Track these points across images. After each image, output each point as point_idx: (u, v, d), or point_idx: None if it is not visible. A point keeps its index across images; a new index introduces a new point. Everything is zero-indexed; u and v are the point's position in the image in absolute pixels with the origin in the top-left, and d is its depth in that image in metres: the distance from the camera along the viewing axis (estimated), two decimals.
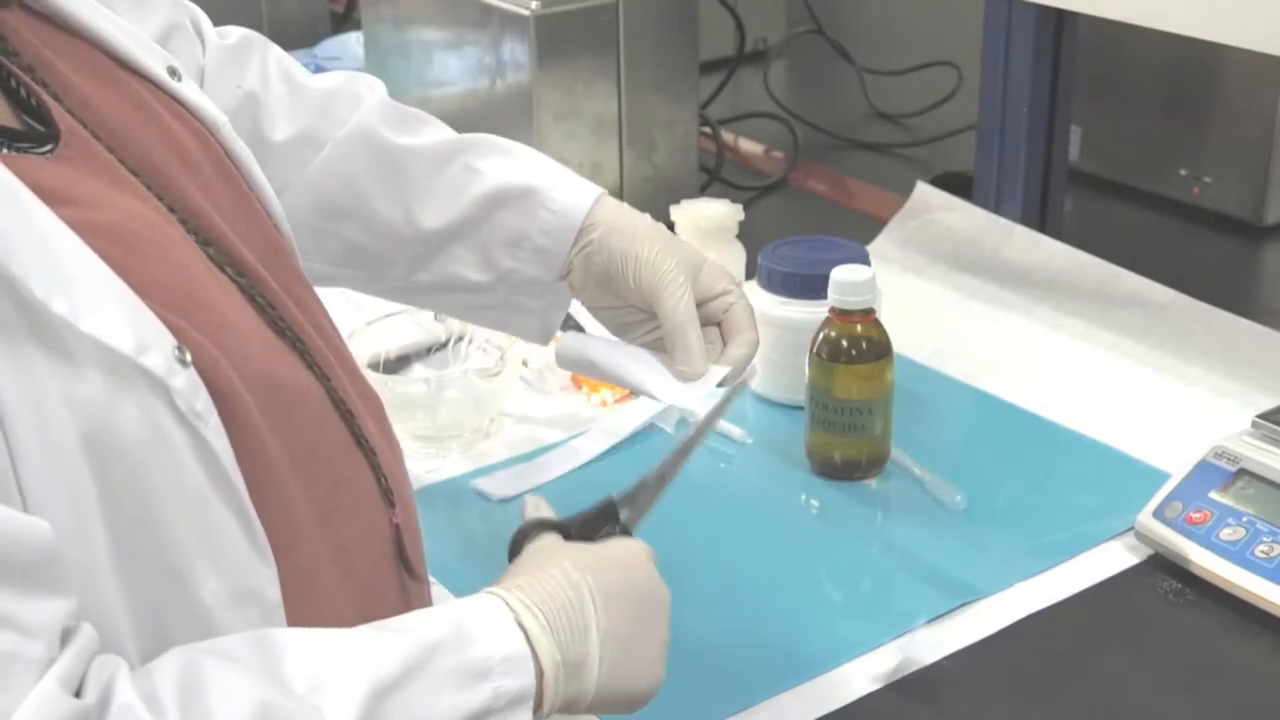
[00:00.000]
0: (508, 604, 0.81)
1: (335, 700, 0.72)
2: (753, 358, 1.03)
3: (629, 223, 1.04)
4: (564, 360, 1.04)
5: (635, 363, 1.02)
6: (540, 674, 0.79)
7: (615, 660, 0.83)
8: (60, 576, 0.68)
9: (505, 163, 1.07)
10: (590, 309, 1.07)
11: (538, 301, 1.07)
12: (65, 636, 0.67)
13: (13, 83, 0.78)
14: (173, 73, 0.89)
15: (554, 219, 1.04)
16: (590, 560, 0.86)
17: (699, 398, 0.99)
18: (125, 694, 0.67)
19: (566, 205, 1.04)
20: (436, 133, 1.09)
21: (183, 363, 0.73)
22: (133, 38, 0.88)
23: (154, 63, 0.88)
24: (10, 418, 0.67)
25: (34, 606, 0.66)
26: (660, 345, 1.02)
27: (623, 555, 0.89)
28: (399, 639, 0.76)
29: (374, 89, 1.12)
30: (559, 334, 1.07)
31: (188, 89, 0.90)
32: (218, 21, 1.12)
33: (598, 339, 1.04)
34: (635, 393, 1.04)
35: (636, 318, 1.04)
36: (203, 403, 0.74)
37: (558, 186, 1.05)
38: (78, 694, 0.66)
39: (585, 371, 1.05)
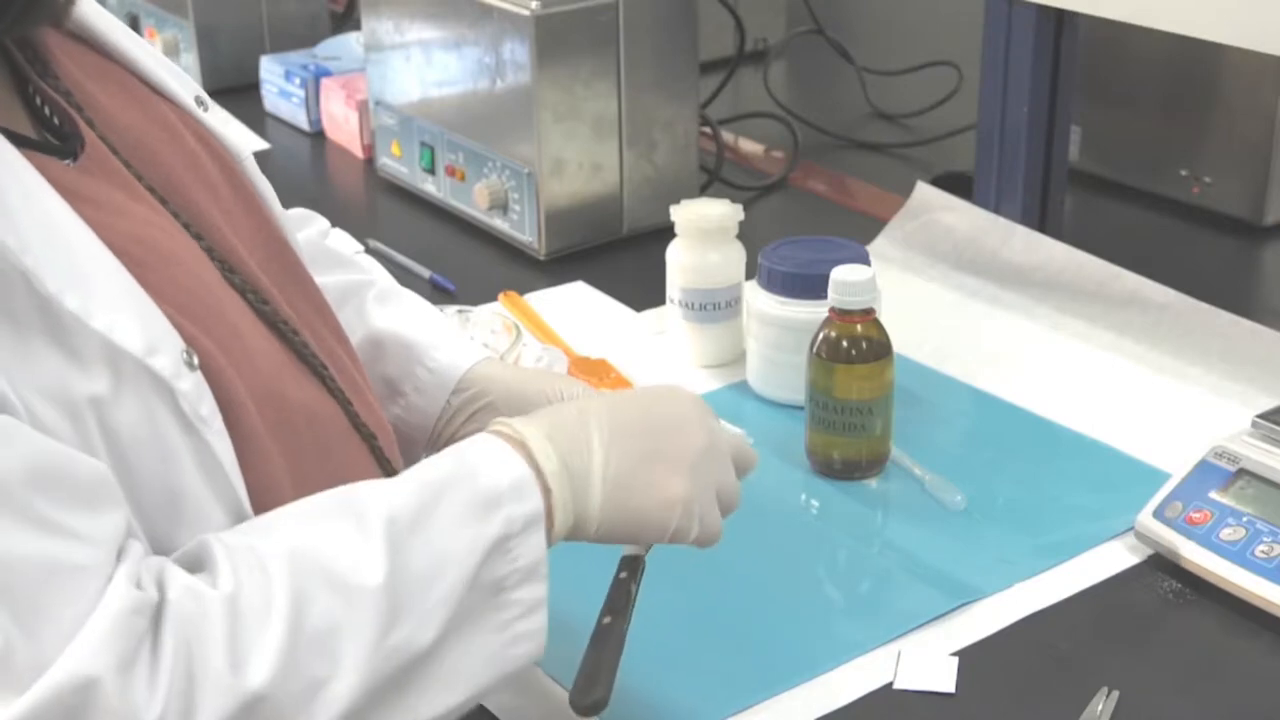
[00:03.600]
0: (512, 428, 0.83)
1: (363, 550, 0.74)
2: None
3: (518, 373, 1.04)
4: None
5: None
6: (547, 489, 0.81)
7: (621, 477, 0.84)
8: (117, 497, 0.71)
9: (395, 312, 1.07)
10: None
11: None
12: (121, 550, 0.71)
13: (37, 100, 0.80)
14: (200, 102, 0.92)
15: (429, 378, 1.04)
16: (607, 394, 0.89)
17: None
18: (181, 577, 0.71)
19: (443, 366, 1.04)
20: (346, 274, 1.09)
21: (190, 365, 0.74)
22: (164, 65, 0.91)
23: (182, 90, 0.91)
24: (13, 409, 0.68)
25: (98, 522, 0.69)
26: None
27: (649, 392, 0.91)
28: (407, 485, 0.78)
29: (313, 224, 1.12)
30: None
31: (213, 119, 0.92)
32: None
33: None
34: None
35: None
36: (208, 407, 0.75)
37: (440, 347, 1.05)
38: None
39: None
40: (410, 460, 1.03)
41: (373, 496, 0.77)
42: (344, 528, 0.75)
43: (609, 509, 0.84)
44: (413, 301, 1.10)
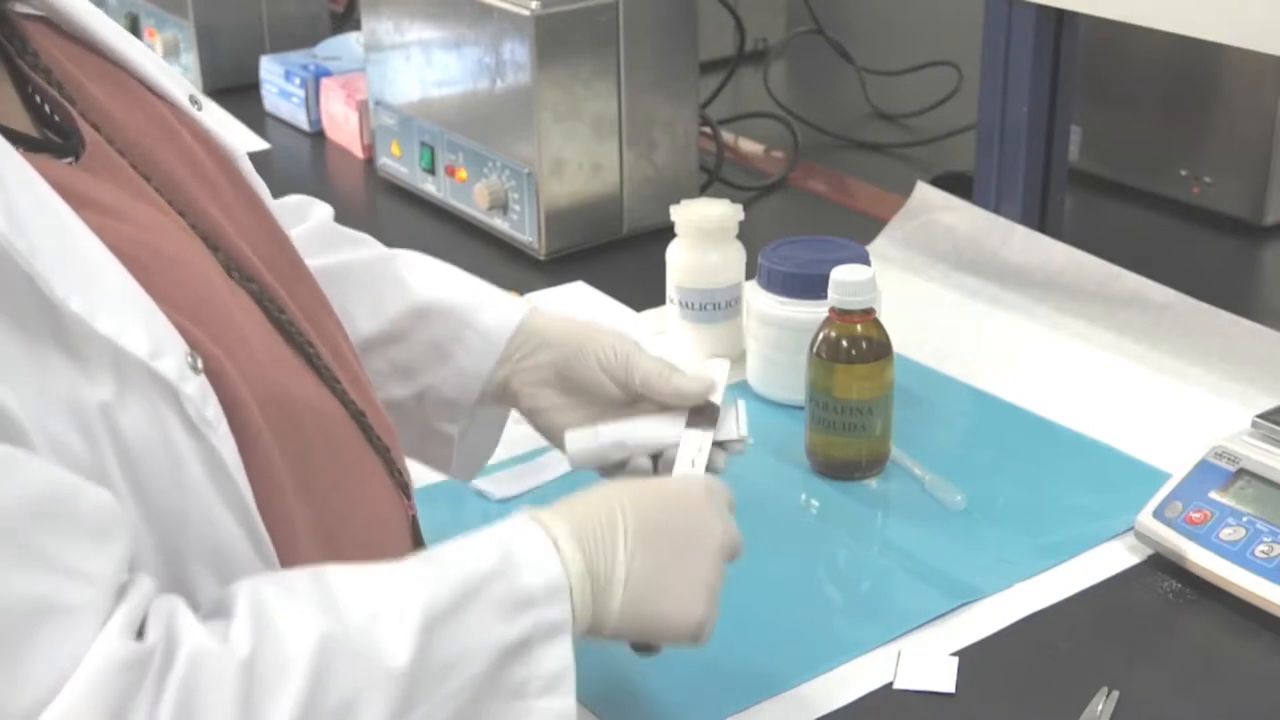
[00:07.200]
0: (542, 523, 0.83)
1: (392, 632, 0.74)
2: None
3: (567, 322, 1.06)
4: (581, 456, 1.02)
5: (652, 422, 1.02)
6: (569, 592, 0.81)
7: (642, 584, 0.84)
8: (120, 530, 0.70)
9: (432, 277, 1.08)
10: (534, 416, 1.06)
11: (452, 426, 1.06)
12: (123, 587, 0.69)
13: (36, 98, 0.80)
14: (194, 101, 0.92)
15: (479, 340, 1.05)
16: (632, 489, 0.89)
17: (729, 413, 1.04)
18: (195, 633, 0.70)
19: (491, 328, 1.05)
20: (368, 249, 1.10)
21: (195, 369, 0.74)
22: (157, 64, 0.91)
23: (176, 90, 0.91)
24: (22, 417, 0.68)
25: (98, 555, 0.68)
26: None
27: (673, 489, 0.92)
28: (451, 571, 0.78)
29: (316, 208, 1.12)
30: (567, 434, 1.04)
31: (207, 118, 0.92)
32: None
33: (600, 426, 1.03)
34: (670, 455, 1.01)
35: (583, 413, 1.04)
36: (213, 410, 0.75)
37: (485, 307, 1.06)
38: (140, 636, 0.68)
39: (612, 454, 1.02)
40: (444, 427, 1.05)
41: (415, 580, 0.77)
42: (382, 607, 0.75)
43: (627, 614, 0.84)
44: (441, 265, 1.12)
